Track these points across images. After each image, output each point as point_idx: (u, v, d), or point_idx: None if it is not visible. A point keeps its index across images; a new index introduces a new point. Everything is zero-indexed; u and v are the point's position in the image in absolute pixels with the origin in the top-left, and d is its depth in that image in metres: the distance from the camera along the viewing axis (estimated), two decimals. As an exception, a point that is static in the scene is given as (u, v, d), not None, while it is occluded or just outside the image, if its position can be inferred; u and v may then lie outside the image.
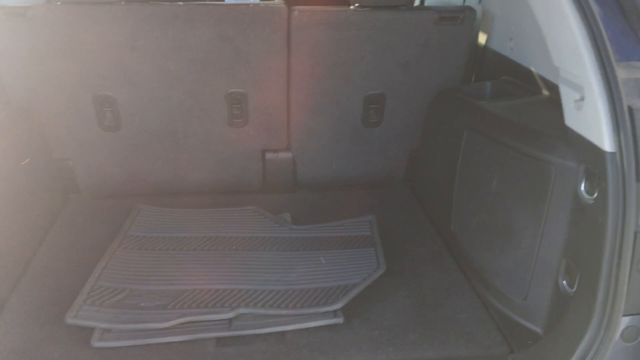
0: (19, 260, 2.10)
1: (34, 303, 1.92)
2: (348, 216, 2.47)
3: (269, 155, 2.73)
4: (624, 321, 1.49)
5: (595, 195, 1.47)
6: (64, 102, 2.43)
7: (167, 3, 2.30)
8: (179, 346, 1.74)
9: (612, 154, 1.39)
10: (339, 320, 1.83)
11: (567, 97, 1.58)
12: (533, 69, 2.13)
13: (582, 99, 1.52)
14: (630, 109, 1.40)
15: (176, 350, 1.73)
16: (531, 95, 2.11)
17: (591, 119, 1.44)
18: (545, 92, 2.06)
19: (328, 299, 1.90)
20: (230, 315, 1.83)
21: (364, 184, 2.88)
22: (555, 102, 1.93)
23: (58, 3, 2.27)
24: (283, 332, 1.81)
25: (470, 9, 2.42)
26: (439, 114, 2.47)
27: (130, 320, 1.79)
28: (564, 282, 1.65)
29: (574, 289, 1.59)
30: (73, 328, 1.78)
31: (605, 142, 1.39)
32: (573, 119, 1.57)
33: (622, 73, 1.42)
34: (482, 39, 2.59)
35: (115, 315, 1.81)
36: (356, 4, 2.39)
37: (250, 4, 2.33)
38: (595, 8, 1.42)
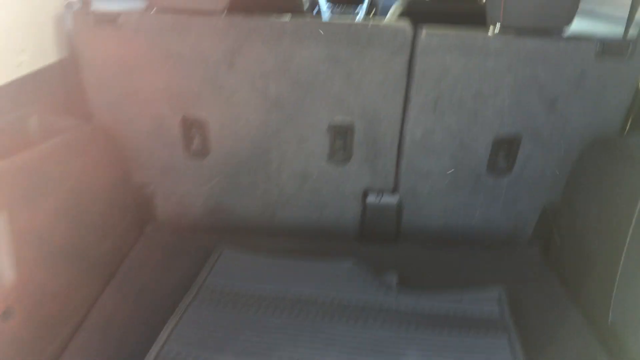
0: (80, 306, 1.80)
1: (91, 361, 1.61)
2: (466, 281, 2.02)
3: (370, 197, 2.33)
4: None
5: None
6: (149, 120, 2.16)
7: (274, 17, 1.99)
8: None
9: None
10: None
11: None
12: None
13: None
14: None
15: None
16: None
17: None
18: None
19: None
20: (324, 411, 1.43)
21: (482, 240, 2.42)
22: None
23: (152, 10, 2.00)
24: None
25: (644, 41, 1.94)
26: (598, 167, 1.98)
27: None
28: None
29: None
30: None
31: None
32: None
33: None
34: (650, 77, 2.09)
35: (183, 392, 1.46)
36: (497, 25, 1.98)
37: (369, 24, 1.97)
38: None
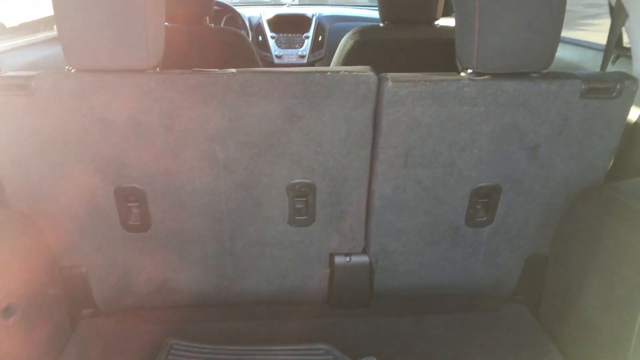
0: None
1: None
2: (450, 355, 1.79)
3: (338, 260, 2.09)
4: None
5: None
6: (77, 195, 1.84)
7: (217, 71, 1.71)
8: None
9: None
10: None
11: None
12: None
13: None
14: None
15: None
16: None
17: None
18: None
19: None
20: None
21: (462, 296, 2.20)
22: None
23: (72, 70, 1.69)
24: None
25: (631, 79, 1.75)
26: (590, 218, 1.79)
27: None
28: None
29: None
30: None
31: None
32: None
33: None
34: (636, 116, 1.92)
35: None
36: (469, 71, 1.76)
37: (327, 72, 1.72)
38: None
